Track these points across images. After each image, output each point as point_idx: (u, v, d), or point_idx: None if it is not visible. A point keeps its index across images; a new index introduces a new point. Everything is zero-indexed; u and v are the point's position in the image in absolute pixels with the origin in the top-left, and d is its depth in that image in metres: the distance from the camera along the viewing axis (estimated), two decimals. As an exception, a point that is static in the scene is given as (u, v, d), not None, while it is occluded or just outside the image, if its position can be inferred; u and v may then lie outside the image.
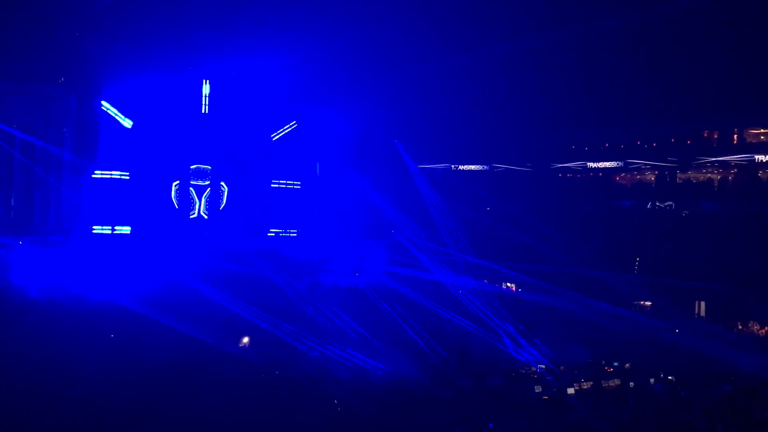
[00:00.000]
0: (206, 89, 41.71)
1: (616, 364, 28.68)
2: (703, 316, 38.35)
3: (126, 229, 39.97)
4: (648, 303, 39.05)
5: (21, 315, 29.57)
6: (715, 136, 42.86)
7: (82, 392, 21.32)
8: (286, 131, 44.91)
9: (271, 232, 44.71)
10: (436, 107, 43.07)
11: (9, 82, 36.00)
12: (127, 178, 40.20)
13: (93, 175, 38.39)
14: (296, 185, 46.03)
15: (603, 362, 28.99)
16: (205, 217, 43.32)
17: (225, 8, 33.39)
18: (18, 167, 36.77)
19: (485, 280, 41.54)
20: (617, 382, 26.38)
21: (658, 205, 43.62)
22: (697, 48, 35.25)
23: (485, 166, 49.12)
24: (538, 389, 25.18)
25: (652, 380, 26.10)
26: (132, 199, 40.73)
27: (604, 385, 25.94)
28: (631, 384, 25.88)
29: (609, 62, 37.93)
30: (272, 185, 44.99)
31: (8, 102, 36.47)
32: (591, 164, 46.12)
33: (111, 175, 39.47)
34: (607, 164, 45.64)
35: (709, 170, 42.90)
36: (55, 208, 37.96)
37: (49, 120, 37.46)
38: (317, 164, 46.54)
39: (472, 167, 49.44)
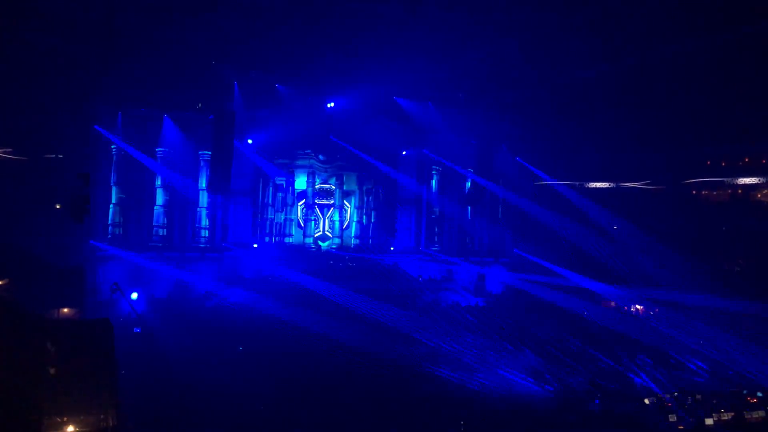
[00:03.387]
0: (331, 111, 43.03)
1: (760, 394, 26.55)
2: None
3: (255, 246, 41.84)
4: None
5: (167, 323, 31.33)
6: None
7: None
8: (408, 151, 45.60)
9: (393, 249, 45.22)
10: (560, 123, 42.09)
11: (151, 108, 38.75)
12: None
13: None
14: (418, 204, 46.45)
15: (745, 392, 26.93)
16: (329, 235, 44.54)
17: (347, 33, 34.28)
18: (160, 188, 39.40)
19: (612, 303, 39.97)
20: (762, 414, 24.43)
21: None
22: None
23: (612, 184, 47.33)
24: (672, 418, 23.78)
25: None
26: (263, 217, 42.82)
27: (747, 416, 24.10)
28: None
29: (747, 71, 35.55)
30: (397, 204, 45.68)
31: (151, 127, 39.27)
32: (728, 180, 43.36)
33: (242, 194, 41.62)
34: (747, 180, 42.72)
35: None
36: (192, 227, 40.31)
37: (188, 144, 39.93)
38: (434, 181, 46.75)
39: (598, 185, 47.76)
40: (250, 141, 40.11)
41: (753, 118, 37.25)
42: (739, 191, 43.27)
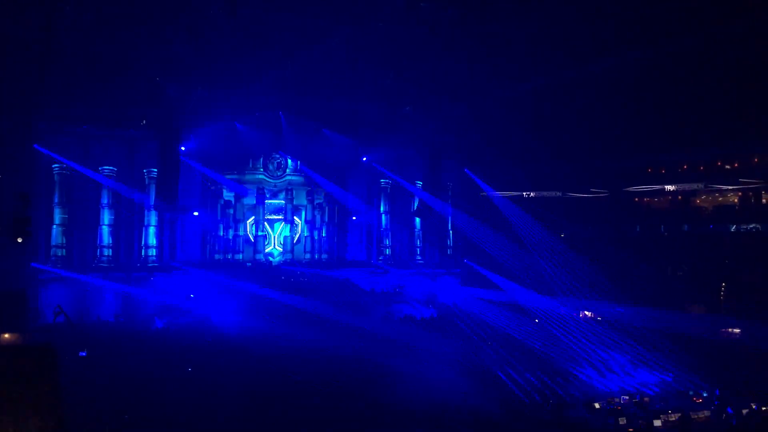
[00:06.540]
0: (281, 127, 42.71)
1: (705, 394, 27.36)
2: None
3: (204, 265, 41.22)
4: (737, 330, 37.21)
5: (113, 347, 30.51)
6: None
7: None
8: (358, 163, 45.75)
9: (345, 263, 45.18)
10: (506, 133, 42.77)
11: (96, 125, 37.96)
12: (196, 214, 41.73)
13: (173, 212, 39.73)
14: (369, 216, 46.57)
15: (691, 392, 27.70)
16: (280, 249, 44.23)
17: (295, 46, 34.20)
18: (105, 207, 38.53)
19: (562, 308, 40.63)
20: (707, 413, 25.15)
21: (742, 228, 41.85)
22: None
23: (558, 193, 48.30)
24: (622, 421, 24.23)
25: None
26: (211, 234, 42.27)
27: (693, 416, 24.75)
28: (723, 416, 24.64)
29: (686, 80, 36.80)
30: (352, 218, 45.74)
31: (95, 145, 38.47)
32: (669, 187, 44.75)
33: (190, 211, 41.02)
34: (686, 186, 44.19)
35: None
36: (139, 245, 39.55)
37: (133, 162, 39.24)
38: (384, 194, 46.99)
39: (544, 194, 48.69)
40: (183, 148, 39.30)
41: (690, 126, 38.54)
42: (679, 198, 44.70)
